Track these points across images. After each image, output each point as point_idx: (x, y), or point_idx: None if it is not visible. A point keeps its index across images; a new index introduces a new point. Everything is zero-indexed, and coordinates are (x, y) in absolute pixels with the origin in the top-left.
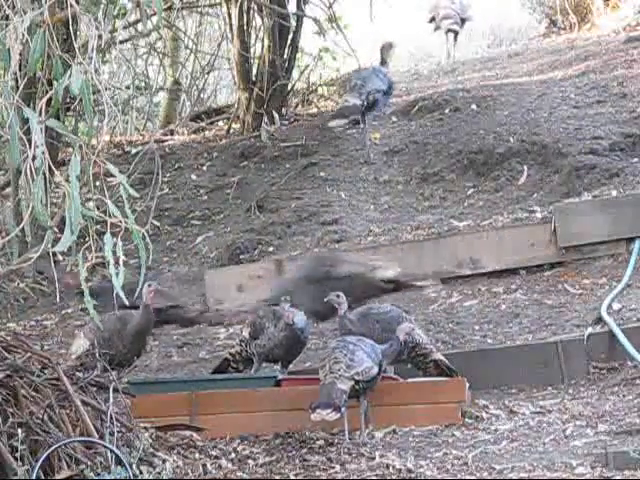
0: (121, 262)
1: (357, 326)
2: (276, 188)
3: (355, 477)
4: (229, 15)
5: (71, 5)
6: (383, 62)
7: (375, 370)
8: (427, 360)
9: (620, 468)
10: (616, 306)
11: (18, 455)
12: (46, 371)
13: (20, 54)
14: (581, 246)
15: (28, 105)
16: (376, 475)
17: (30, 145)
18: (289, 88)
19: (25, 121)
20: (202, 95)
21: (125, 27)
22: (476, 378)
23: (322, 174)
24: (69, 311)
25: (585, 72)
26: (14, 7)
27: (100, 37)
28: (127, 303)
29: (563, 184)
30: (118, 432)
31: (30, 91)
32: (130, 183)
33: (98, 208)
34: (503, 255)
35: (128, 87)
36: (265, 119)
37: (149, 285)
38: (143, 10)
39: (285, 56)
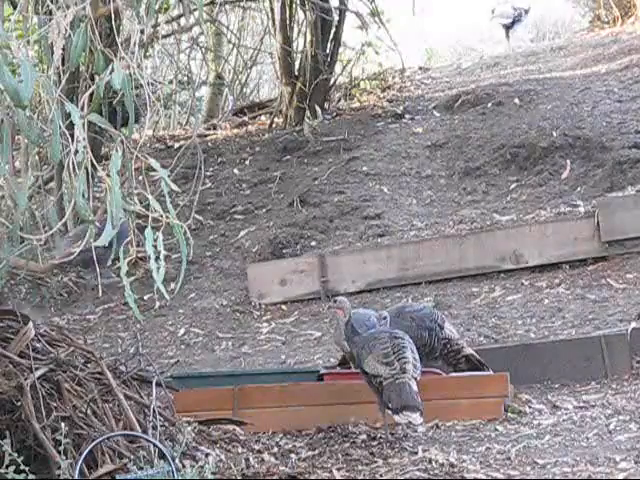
0: (162, 257)
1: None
2: (318, 182)
3: (397, 471)
4: (272, 9)
5: (113, 0)
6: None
7: None
8: (459, 356)
9: None
10: None
11: (62, 449)
12: (89, 365)
13: (63, 49)
14: (624, 240)
15: (71, 100)
16: (418, 469)
17: (73, 140)
18: (331, 82)
19: (67, 116)
20: (245, 89)
21: (168, 22)
22: (519, 373)
23: (364, 168)
24: (112, 305)
25: (629, 66)
26: (57, 2)
27: (142, 32)
28: (167, 297)
29: (606, 178)
30: (161, 426)
31: (72, 86)
32: (173, 178)
33: (140, 202)
34: (546, 249)
35: (171, 82)
36: (307, 113)
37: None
38: (185, 5)
39: (327, 50)
